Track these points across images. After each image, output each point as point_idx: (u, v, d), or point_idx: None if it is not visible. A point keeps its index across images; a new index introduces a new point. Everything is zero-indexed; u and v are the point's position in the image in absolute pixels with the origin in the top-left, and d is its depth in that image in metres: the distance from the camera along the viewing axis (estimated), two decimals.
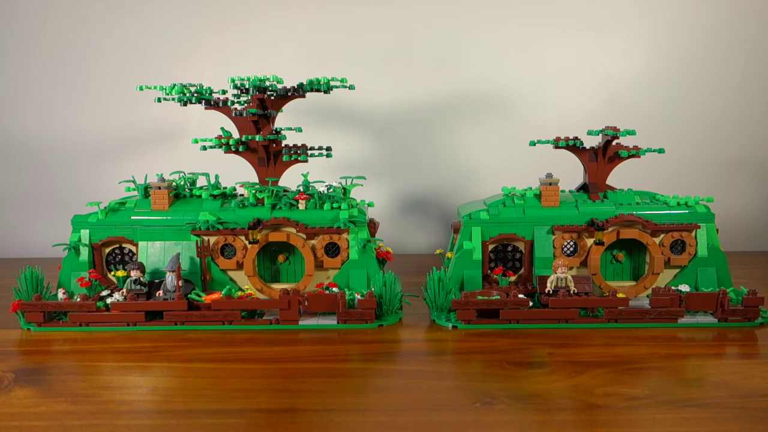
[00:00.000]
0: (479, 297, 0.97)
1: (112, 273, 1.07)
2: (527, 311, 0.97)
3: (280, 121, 1.11)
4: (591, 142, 1.10)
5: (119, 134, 1.47)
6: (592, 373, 0.80)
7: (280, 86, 1.05)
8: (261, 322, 0.98)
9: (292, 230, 1.04)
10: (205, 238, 1.03)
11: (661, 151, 1.08)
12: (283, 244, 1.06)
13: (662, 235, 1.04)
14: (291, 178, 1.12)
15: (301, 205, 1.05)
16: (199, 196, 1.09)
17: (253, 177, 1.11)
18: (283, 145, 1.07)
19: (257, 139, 1.04)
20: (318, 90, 1.06)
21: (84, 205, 1.08)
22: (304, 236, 1.04)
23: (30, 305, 0.97)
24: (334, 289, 1.02)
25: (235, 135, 1.07)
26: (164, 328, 0.97)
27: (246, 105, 1.06)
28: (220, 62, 1.43)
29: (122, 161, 1.47)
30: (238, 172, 1.16)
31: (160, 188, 1.05)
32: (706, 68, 1.45)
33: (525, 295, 0.99)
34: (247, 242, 1.03)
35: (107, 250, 1.07)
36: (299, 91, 1.06)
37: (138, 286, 0.99)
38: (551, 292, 0.99)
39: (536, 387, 0.76)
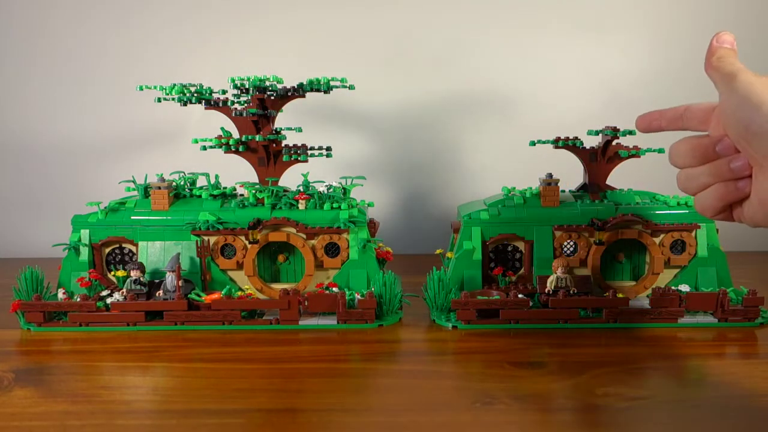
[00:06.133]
0: (479, 297, 0.97)
1: (112, 273, 1.07)
2: (527, 311, 0.97)
3: (280, 121, 1.11)
4: (591, 142, 1.10)
5: (119, 134, 1.47)
6: (592, 373, 0.80)
7: (280, 86, 1.05)
8: (261, 322, 0.98)
9: (292, 230, 1.04)
10: (205, 238, 1.03)
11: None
12: (283, 244, 1.06)
13: (662, 235, 1.04)
14: (291, 178, 1.12)
15: (301, 205, 1.05)
16: (199, 196, 1.09)
17: (253, 177, 1.11)
18: (283, 145, 1.07)
19: (257, 139, 1.04)
20: (318, 90, 1.06)
21: (84, 205, 1.08)
22: (304, 236, 1.04)
23: (30, 305, 0.97)
24: (334, 289, 1.02)
25: (235, 135, 1.07)
26: (164, 328, 0.97)
27: (246, 105, 1.06)
28: (220, 62, 1.43)
29: (122, 161, 1.46)
30: (238, 172, 1.16)
31: (160, 188, 1.05)
32: None
33: (525, 295, 0.99)
34: (247, 242, 1.03)
35: (107, 250, 1.07)
36: (299, 91, 1.06)
37: (138, 286, 0.99)
38: (551, 292, 0.99)
39: (536, 387, 0.76)
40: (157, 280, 1.01)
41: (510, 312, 0.96)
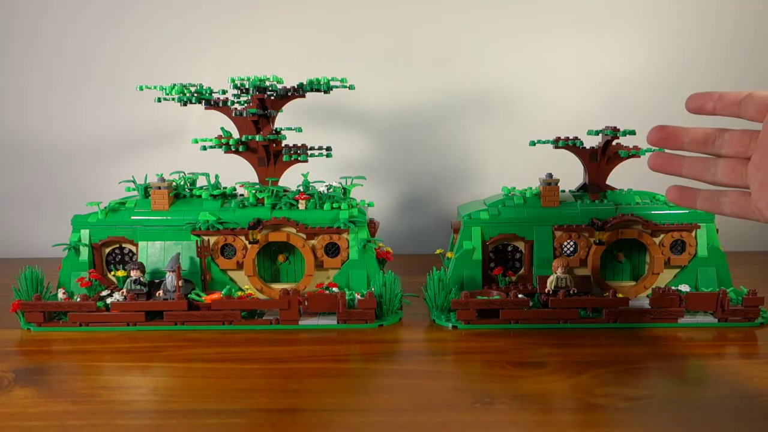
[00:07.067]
0: (479, 297, 0.97)
1: (112, 273, 1.07)
2: (527, 311, 0.97)
3: (280, 121, 1.11)
4: (591, 142, 1.10)
5: (119, 134, 1.47)
6: (592, 373, 0.80)
7: (280, 86, 1.05)
8: (261, 322, 0.98)
9: (292, 230, 1.04)
10: (205, 238, 1.03)
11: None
12: (283, 244, 1.06)
13: (662, 235, 1.04)
14: (291, 178, 1.12)
15: (301, 205, 1.05)
16: (199, 196, 1.09)
17: (253, 177, 1.11)
18: (283, 145, 1.07)
19: (257, 139, 1.04)
20: (318, 90, 1.06)
21: (84, 205, 1.08)
22: (304, 236, 1.04)
23: (30, 305, 0.97)
24: (334, 289, 1.02)
25: (235, 135, 1.07)
26: (164, 328, 0.97)
27: (246, 105, 1.06)
28: (220, 62, 1.43)
29: (122, 161, 1.46)
30: (238, 172, 1.16)
31: (160, 188, 1.05)
32: (707, 68, 1.45)
33: (525, 295, 0.99)
34: (247, 242, 1.03)
35: (107, 250, 1.07)
36: (299, 91, 1.06)
37: (138, 286, 0.99)
38: (551, 292, 0.99)
39: (536, 387, 0.76)
40: (157, 280, 1.01)
41: (510, 312, 0.96)
